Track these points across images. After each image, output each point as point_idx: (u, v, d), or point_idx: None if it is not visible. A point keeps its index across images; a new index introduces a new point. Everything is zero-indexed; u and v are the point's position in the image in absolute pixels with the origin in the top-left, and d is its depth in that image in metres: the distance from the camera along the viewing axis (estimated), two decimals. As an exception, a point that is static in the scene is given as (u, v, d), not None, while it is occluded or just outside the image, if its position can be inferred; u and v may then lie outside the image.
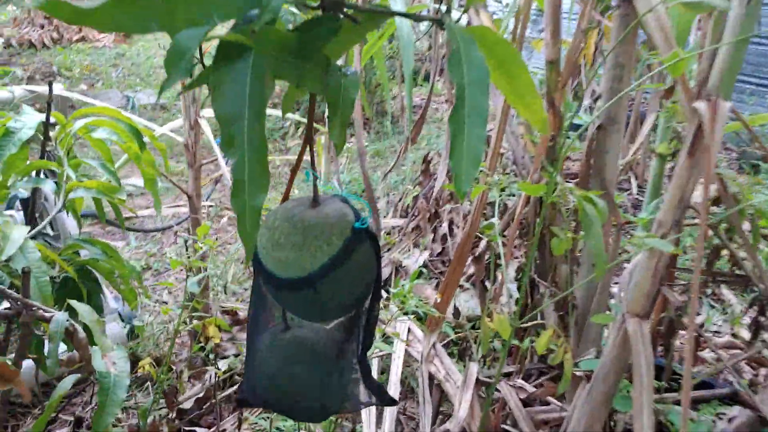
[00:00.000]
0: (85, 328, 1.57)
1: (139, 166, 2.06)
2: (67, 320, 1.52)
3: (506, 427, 1.76)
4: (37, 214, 2.60)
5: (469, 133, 0.78)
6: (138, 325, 2.05)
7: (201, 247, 1.91)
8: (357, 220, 0.98)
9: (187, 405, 2.48)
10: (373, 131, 6.09)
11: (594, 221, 1.16)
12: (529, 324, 1.35)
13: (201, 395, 2.50)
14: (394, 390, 2.13)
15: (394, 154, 5.42)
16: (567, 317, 1.84)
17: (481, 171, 1.68)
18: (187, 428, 2.44)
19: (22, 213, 2.57)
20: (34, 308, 1.55)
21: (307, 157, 0.97)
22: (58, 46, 7.94)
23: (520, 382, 1.73)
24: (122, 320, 2.71)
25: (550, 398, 1.75)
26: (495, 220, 1.38)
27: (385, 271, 3.26)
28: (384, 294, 2.96)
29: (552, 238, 1.65)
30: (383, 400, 1.16)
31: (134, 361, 2.77)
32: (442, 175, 3.38)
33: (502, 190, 1.74)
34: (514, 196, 2.24)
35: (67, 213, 2.32)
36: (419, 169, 3.97)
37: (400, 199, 4.02)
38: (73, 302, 1.55)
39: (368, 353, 1.12)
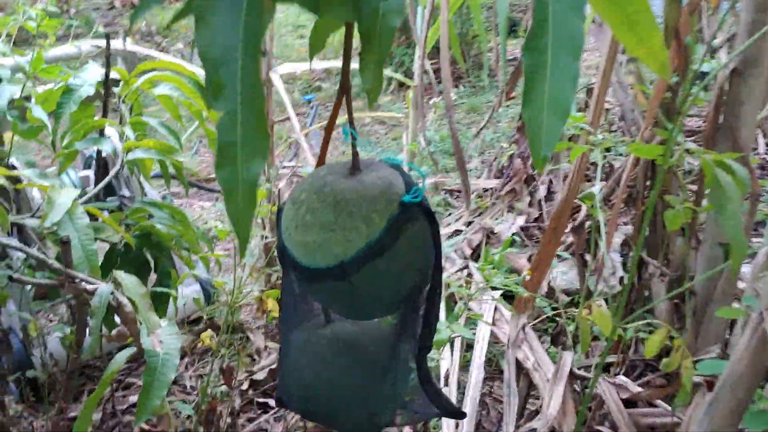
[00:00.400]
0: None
1: (201, 124, 1.91)
2: (112, 293, 1.40)
3: (602, 429, 1.50)
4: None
5: (553, 69, 0.53)
6: (196, 298, 1.93)
7: (265, 213, 1.74)
8: (408, 191, 0.75)
9: (260, 376, 2.37)
10: (469, 85, 5.76)
11: (731, 194, 0.88)
12: (636, 323, 1.08)
13: (275, 366, 2.39)
14: (477, 373, 1.92)
15: (490, 109, 5.10)
16: (682, 305, 1.54)
17: (581, 129, 1.40)
18: (260, 400, 2.34)
19: (97, 173, 2.50)
20: (77, 280, 1.44)
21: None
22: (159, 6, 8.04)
23: (622, 378, 1.46)
24: (202, 286, 2.63)
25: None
26: (597, 187, 1.11)
27: (476, 239, 3.01)
28: (471, 266, 2.72)
29: (665, 209, 1.36)
30: (447, 411, 0.94)
31: (211, 327, 2.70)
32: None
33: (607, 150, 1.45)
34: (621, 155, 1.93)
35: (132, 173, 2.23)
36: (516, 126, 3.66)
37: (495, 159, 3.73)
38: (119, 273, 1.42)
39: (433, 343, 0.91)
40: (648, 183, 1.72)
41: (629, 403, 1.49)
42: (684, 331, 1.44)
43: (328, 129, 0.76)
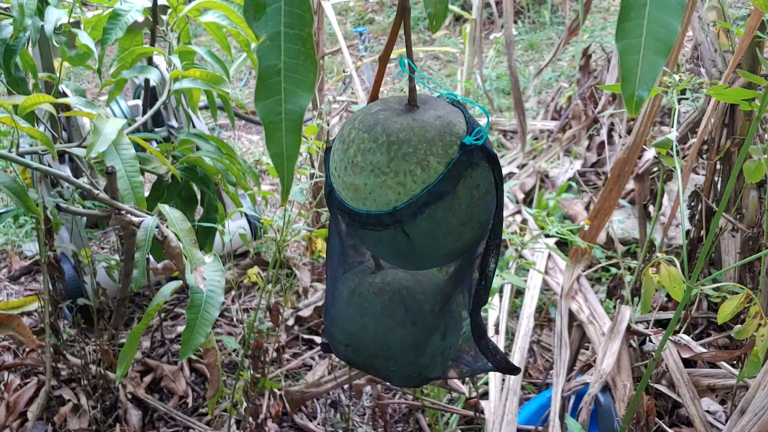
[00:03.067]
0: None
1: (249, 55, 1.84)
2: (157, 227, 1.37)
3: (660, 388, 1.43)
4: (163, 106, 2.51)
5: (659, -7, 0.44)
6: (242, 234, 1.90)
7: (315, 150, 1.68)
8: (470, 132, 0.68)
9: (306, 312, 2.37)
10: (528, 21, 5.51)
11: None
12: (707, 284, 0.99)
13: (320, 303, 2.38)
14: (527, 322, 1.86)
15: (550, 47, 4.87)
16: (756, 263, 1.44)
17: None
18: (305, 336, 2.34)
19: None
20: (123, 212, 1.42)
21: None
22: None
23: (683, 337, 1.38)
24: (248, 221, 2.61)
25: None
26: (674, 133, 1.01)
27: (529, 182, 2.91)
28: (523, 211, 2.63)
29: (742, 158, 1.25)
30: (502, 367, 0.89)
31: (258, 262, 2.70)
32: (612, 75, 2.89)
33: (682, 92, 1.33)
34: (693, 101, 1.79)
35: (179, 104, 2.19)
36: (578, 66, 3.48)
37: (553, 99, 3.57)
38: (164, 207, 1.39)
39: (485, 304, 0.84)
40: (725, 131, 1.59)
41: (687, 362, 1.41)
42: (757, 291, 1.35)
43: (384, 57, 0.68)
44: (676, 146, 1.01)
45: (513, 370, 0.89)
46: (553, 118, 3.49)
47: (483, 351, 0.87)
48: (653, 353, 1.48)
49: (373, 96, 0.72)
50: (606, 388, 1.42)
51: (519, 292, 2.34)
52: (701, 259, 0.85)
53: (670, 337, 1.36)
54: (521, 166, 3.07)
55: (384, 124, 0.66)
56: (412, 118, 0.67)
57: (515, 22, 5.40)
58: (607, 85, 1.29)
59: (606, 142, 2.83)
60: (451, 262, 0.77)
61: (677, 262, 0.87)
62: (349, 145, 0.67)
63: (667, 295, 1.71)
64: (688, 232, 1.60)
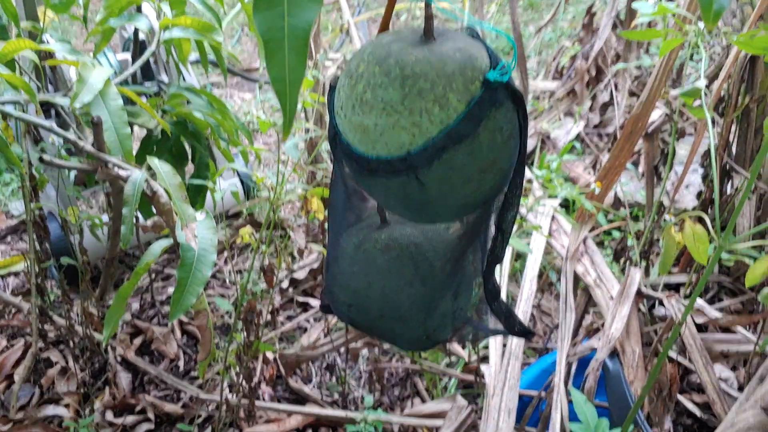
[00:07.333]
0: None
1: (244, 6, 1.74)
2: (146, 181, 1.30)
3: (670, 354, 1.38)
4: (153, 59, 2.42)
5: None
6: (234, 192, 1.82)
7: (309, 104, 1.59)
8: (494, 66, 0.60)
9: (301, 275, 2.31)
10: (529, -19, 5.37)
11: None
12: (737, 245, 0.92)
13: (315, 266, 2.32)
14: (530, 285, 1.80)
15: (551, 8, 4.75)
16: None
17: (674, 14, 1.20)
18: (300, 299, 2.29)
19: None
20: (109, 165, 1.33)
21: None
22: None
23: (697, 302, 1.33)
24: (240, 180, 2.54)
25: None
26: (701, 81, 0.94)
27: (530, 143, 2.83)
28: (527, 173, 2.56)
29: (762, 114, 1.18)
30: (514, 330, 0.83)
31: (251, 222, 2.63)
32: (608, 28, 2.79)
33: (695, 46, 1.25)
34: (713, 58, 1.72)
35: (168, 55, 2.09)
36: (580, 24, 3.37)
37: (555, 59, 3.47)
38: (153, 160, 1.31)
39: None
40: (743, 87, 1.51)
41: (698, 327, 1.36)
42: (777, 253, 1.29)
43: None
44: (705, 93, 0.93)
45: (527, 333, 0.83)
46: (554, 78, 3.40)
47: (496, 313, 0.81)
48: (659, 317, 1.44)
49: (384, 27, 0.64)
50: (614, 354, 1.37)
51: (518, 256, 2.28)
52: (733, 218, 0.79)
53: (682, 302, 1.31)
54: (522, 128, 2.99)
55: (398, 57, 0.58)
56: (429, 50, 0.59)
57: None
58: (626, 32, 1.21)
59: (616, 101, 2.74)
60: (468, 214, 0.70)
61: (707, 219, 0.80)
62: (357, 80, 0.59)
63: (677, 258, 1.66)
64: (700, 193, 1.54)
